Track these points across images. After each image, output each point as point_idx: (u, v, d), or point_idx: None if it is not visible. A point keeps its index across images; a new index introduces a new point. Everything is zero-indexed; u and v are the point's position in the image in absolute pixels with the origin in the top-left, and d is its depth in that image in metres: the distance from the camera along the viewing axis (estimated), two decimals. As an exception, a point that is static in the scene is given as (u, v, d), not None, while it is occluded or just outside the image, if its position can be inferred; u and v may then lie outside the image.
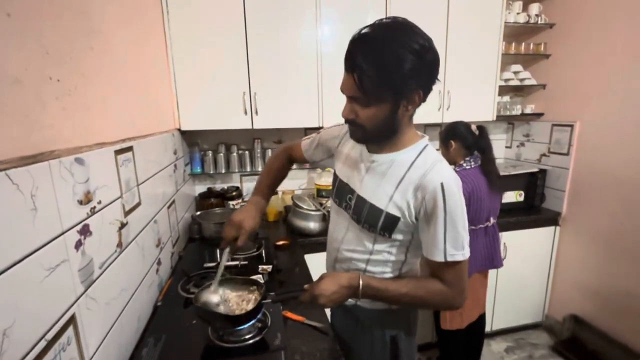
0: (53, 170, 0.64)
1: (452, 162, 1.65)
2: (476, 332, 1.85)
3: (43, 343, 0.58)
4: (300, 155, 1.14)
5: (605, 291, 2.01)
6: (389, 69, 0.69)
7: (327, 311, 1.13)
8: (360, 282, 0.81)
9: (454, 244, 0.78)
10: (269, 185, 1.14)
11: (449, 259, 0.78)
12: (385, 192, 0.82)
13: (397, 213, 0.81)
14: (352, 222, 0.91)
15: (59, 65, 0.70)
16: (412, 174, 0.80)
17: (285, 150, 1.18)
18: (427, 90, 0.76)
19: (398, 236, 0.85)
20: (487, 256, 1.67)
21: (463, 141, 1.62)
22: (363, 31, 0.73)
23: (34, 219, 0.58)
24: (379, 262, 0.89)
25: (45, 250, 0.60)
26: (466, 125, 1.64)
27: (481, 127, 1.63)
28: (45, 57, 0.66)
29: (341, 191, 0.94)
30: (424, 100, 0.77)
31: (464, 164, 1.62)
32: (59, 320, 0.63)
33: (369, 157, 0.87)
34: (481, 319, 1.83)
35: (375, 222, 0.84)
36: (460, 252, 0.78)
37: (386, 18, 0.74)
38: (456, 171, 1.50)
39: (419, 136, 0.86)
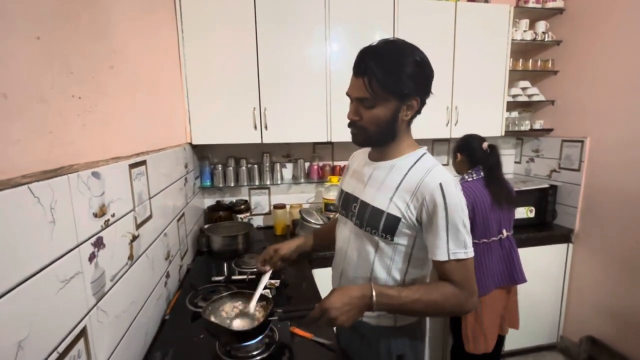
0: (71, 183, 0.66)
1: (457, 173, 1.70)
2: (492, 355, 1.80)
3: (55, 355, 0.59)
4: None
5: (624, 312, 1.93)
6: (393, 72, 0.79)
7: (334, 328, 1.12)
8: (373, 292, 0.79)
9: (456, 242, 0.80)
10: (320, 236, 1.19)
11: (452, 257, 0.79)
12: (386, 195, 0.86)
13: (397, 213, 0.84)
14: (355, 228, 0.94)
15: (81, 83, 0.74)
16: (411, 177, 0.85)
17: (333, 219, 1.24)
18: (423, 98, 0.85)
19: (400, 240, 0.86)
20: (505, 271, 1.62)
21: (470, 155, 1.63)
22: (371, 45, 0.83)
23: (52, 231, 0.60)
24: (382, 270, 0.89)
25: (61, 263, 0.62)
26: (479, 140, 1.64)
27: (492, 146, 1.62)
28: (70, 76, 0.69)
29: (347, 202, 0.99)
30: (419, 111, 0.86)
31: (466, 176, 1.63)
32: (70, 332, 0.64)
33: (371, 166, 0.94)
34: (499, 340, 1.75)
35: (377, 224, 0.86)
36: (463, 250, 0.80)
37: (391, 38, 0.85)
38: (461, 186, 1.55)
39: (417, 146, 0.92)
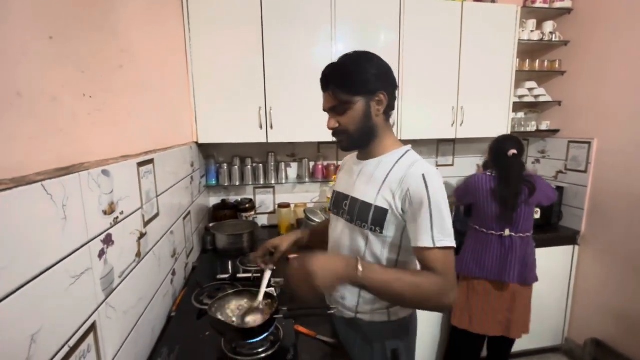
0: (82, 181, 0.67)
1: (483, 169, 1.81)
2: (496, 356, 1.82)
3: (66, 349, 0.60)
4: None
5: (630, 314, 1.92)
6: (352, 76, 0.88)
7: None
8: (359, 263, 0.79)
9: (441, 229, 0.81)
10: (316, 233, 1.24)
11: (438, 244, 0.80)
12: (374, 188, 0.91)
13: (384, 205, 0.88)
14: (346, 224, 0.98)
15: (91, 82, 0.75)
16: (396, 170, 0.90)
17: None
18: (390, 92, 0.91)
19: (388, 232, 0.89)
20: (496, 267, 1.66)
21: (495, 158, 1.70)
22: (331, 63, 0.92)
23: (63, 228, 0.61)
24: (373, 261, 0.93)
25: (72, 259, 0.63)
26: (510, 145, 1.65)
27: (516, 155, 1.65)
28: (81, 75, 0.70)
29: (338, 201, 1.04)
30: (391, 105, 0.93)
31: (487, 172, 1.70)
32: (81, 327, 0.65)
33: (359, 165, 1.00)
34: (507, 342, 1.79)
35: (366, 217, 0.90)
36: (448, 238, 0.82)
37: (348, 52, 0.92)
38: (474, 175, 1.70)
39: (401, 144, 0.98)
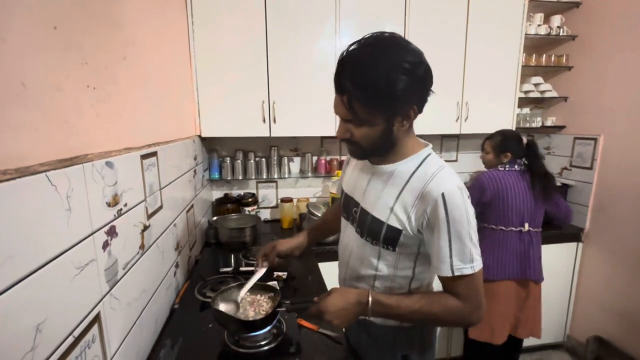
0: (86, 172, 0.67)
1: (487, 166, 1.78)
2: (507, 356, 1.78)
3: (71, 339, 0.61)
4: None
5: (633, 312, 1.91)
6: (379, 92, 0.69)
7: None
8: (370, 299, 0.78)
9: (461, 257, 0.74)
10: (317, 228, 1.21)
11: (457, 272, 0.74)
12: (386, 204, 0.81)
13: (398, 225, 0.79)
14: (357, 236, 0.90)
15: (95, 74, 0.74)
16: (413, 185, 0.78)
17: (335, 205, 1.25)
18: (421, 103, 0.76)
19: (402, 250, 0.82)
20: (518, 264, 1.62)
21: (515, 153, 1.69)
22: (351, 49, 0.72)
23: (68, 219, 0.61)
24: (386, 279, 0.87)
25: (76, 250, 0.63)
26: (518, 137, 1.69)
27: (531, 141, 1.71)
28: (85, 66, 0.70)
29: (347, 205, 0.95)
30: (420, 111, 0.77)
31: (500, 167, 1.69)
32: (85, 317, 0.66)
33: (370, 169, 0.87)
34: (515, 342, 1.75)
35: (377, 235, 0.82)
36: (469, 264, 0.74)
37: (374, 33, 0.73)
38: (487, 172, 1.64)
39: (421, 145, 0.84)
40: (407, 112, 0.74)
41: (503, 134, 1.72)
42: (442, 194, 0.73)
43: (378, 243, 0.83)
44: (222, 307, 0.94)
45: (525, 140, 1.71)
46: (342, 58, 0.72)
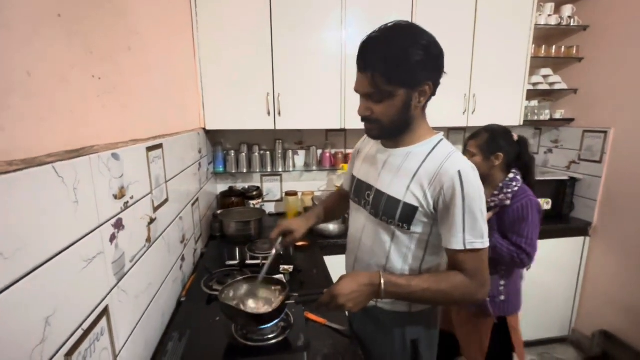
0: (93, 164, 0.66)
1: (490, 178, 1.37)
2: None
3: (80, 332, 0.60)
4: (345, 189, 1.19)
5: (639, 307, 1.90)
6: (398, 64, 0.76)
7: (347, 312, 1.12)
8: (382, 280, 0.80)
9: (473, 231, 0.78)
10: (325, 209, 1.21)
11: (468, 246, 0.78)
12: (403, 183, 0.85)
13: (414, 202, 0.83)
14: (370, 217, 0.93)
15: (101, 64, 0.73)
16: (428, 165, 0.83)
17: (337, 190, 1.30)
18: (436, 81, 0.81)
19: (417, 229, 0.85)
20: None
21: (507, 155, 1.35)
22: (372, 34, 0.79)
23: (75, 211, 0.60)
24: (398, 258, 0.89)
25: (84, 242, 0.63)
26: (508, 133, 1.38)
27: (522, 138, 1.40)
28: (90, 56, 0.68)
29: (359, 189, 0.98)
30: (433, 92, 0.83)
31: (508, 180, 1.35)
32: (94, 310, 0.65)
33: (385, 153, 0.92)
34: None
35: (393, 214, 0.85)
36: (480, 240, 0.79)
37: (392, 21, 0.80)
38: (528, 189, 1.35)
39: (433, 132, 0.90)
40: (423, 87, 0.79)
41: (491, 130, 1.37)
42: (459, 172, 0.78)
43: (393, 222, 0.86)
44: (230, 300, 0.93)
45: (515, 136, 1.38)
46: (365, 41, 0.80)
